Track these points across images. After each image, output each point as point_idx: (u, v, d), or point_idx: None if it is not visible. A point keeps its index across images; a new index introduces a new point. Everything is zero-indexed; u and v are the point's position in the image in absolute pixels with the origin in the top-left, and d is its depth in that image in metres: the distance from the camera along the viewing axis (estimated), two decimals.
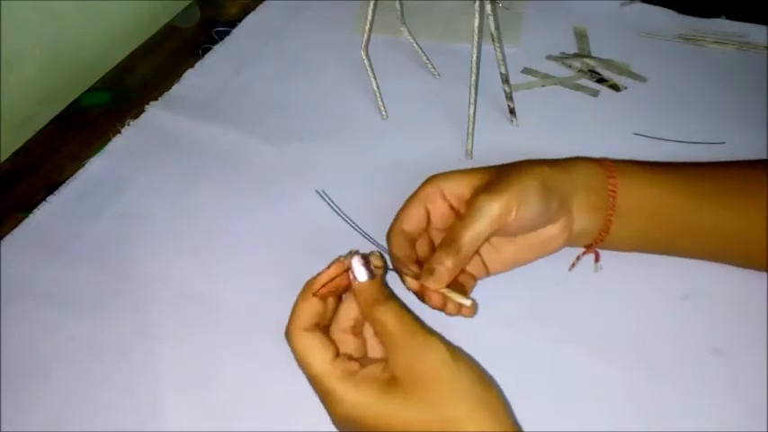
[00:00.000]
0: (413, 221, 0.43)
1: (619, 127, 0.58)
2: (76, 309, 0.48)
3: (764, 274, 0.47)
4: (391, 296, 0.37)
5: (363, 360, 0.37)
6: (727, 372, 0.43)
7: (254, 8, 0.74)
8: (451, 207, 0.44)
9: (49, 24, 0.65)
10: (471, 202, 0.41)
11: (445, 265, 0.39)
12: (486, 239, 0.41)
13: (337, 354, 0.36)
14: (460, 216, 0.42)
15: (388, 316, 0.36)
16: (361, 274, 0.37)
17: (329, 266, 0.38)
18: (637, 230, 0.45)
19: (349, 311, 0.39)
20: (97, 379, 0.44)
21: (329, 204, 0.44)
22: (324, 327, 0.38)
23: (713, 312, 0.46)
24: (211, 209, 0.54)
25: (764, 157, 0.54)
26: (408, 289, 0.42)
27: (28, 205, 0.55)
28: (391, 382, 0.34)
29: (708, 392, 0.42)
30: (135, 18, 0.73)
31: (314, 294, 0.38)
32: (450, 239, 0.40)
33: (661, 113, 0.59)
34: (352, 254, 0.38)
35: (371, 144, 0.59)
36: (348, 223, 0.43)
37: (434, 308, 0.41)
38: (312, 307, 0.38)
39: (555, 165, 0.43)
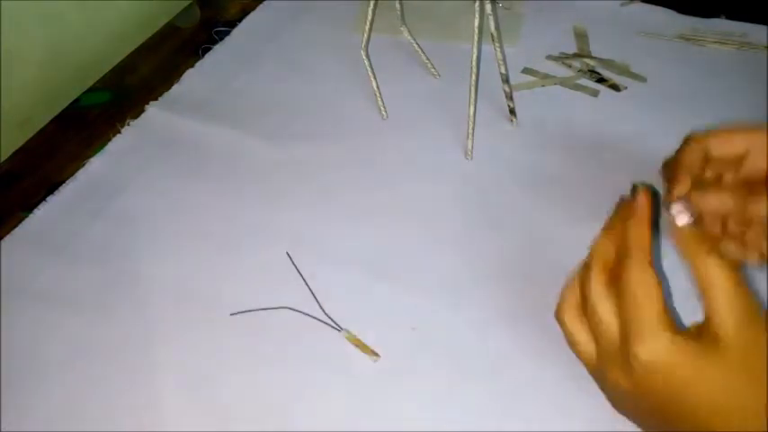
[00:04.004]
0: (727, 147, 0.40)
1: (619, 127, 0.58)
2: (76, 309, 0.48)
3: (764, 273, 0.47)
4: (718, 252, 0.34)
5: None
6: None
7: (254, 8, 0.74)
8: None
9: (49, 24, 0.65)
10: None
11: (725, 200, 0.37)
12: None
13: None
14: None
15: (724, 273, 0.33)
16: (682, 218, 0.35)
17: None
18: None
19: None
20: (97, 379, 0.44)
21: (294, 266, 0.44)
22: None
23: None
24: (211, 209, 0.54)
25: None
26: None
27: (28, 205, 0.55)
28: (713, 343, 0.32)
29: None
30: (135, 18, 0.73)
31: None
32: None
33: (661, 113, 0.59)
34: (640, 189, 0.36)
35: (371, 144, 0.59)
36: (309, 290, 0.44)
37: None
38: (649, 234, 0.35)
39: None
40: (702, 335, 0.33)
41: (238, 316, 0.47)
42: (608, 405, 0.42)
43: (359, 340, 0.45)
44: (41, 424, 0.42)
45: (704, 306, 0.33)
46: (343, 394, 0.43)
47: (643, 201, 0.36)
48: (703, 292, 0.33)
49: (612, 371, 0.34)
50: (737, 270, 0.33)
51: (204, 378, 0.44)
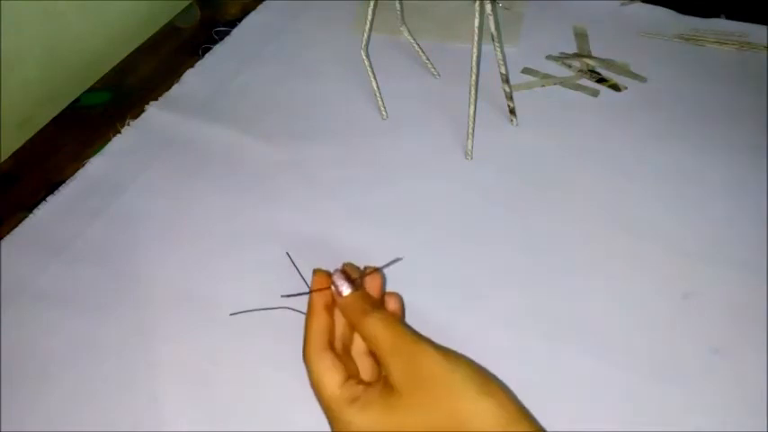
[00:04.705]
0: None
1: (619, 127, 0.58)
2: (76, 309, 0.48)
3: (764, 273, 0.47)
4: (377, 306, 0.37)
5: (373, 383, 0.36)
6: (727, 371, 0.43)
7: (254, 8, 0.74)
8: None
9: (49, 24, 0.65)
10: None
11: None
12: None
13: (348, 376, 0.36)
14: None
15: (377, 326, 0.36)
16: (344, 288, 0.38)
17: (313, 279, 0.39)
18: None
19: None
20: (97, 379, 0.44)
21: (294, 265, 0.44)
22: (343, 348, 0.38)
23: (713, 312, 0.46)
24: (211, 209, 0.54)
25: (764, 156, 0.55)
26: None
27: (28, 205, 0.55)
28: (392, 395, 0.34)
29: (707, 392, 0.42)
30: (135, 18, 0.73)
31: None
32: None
33: (661, 113, 0.59)
34: (334, 271, 0.39)
35: (371, 144, 0.59)
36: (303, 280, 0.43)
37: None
38: (321, 324, 0.38)
39: None
40: (385, 388, 0.34)
41: (238, 316, 0.47)
42: (610, 408, 0.42)
43: None
44: (41, 424, 0.42)
45: (379, 362, 0.36)
46: None
47: (315, 286, 0.39)
48: (373, 350, 0.36)
49: None
50: (397, 320, 0.36)
51: (204, 378, 0.44)
